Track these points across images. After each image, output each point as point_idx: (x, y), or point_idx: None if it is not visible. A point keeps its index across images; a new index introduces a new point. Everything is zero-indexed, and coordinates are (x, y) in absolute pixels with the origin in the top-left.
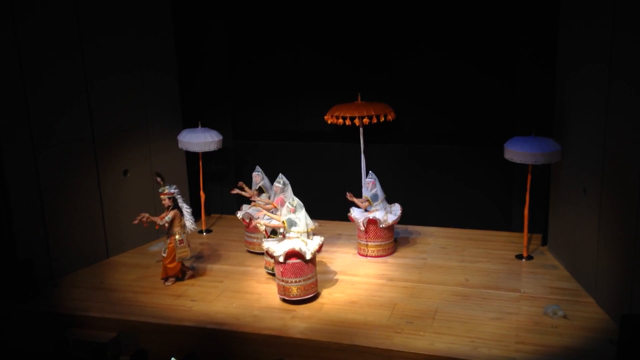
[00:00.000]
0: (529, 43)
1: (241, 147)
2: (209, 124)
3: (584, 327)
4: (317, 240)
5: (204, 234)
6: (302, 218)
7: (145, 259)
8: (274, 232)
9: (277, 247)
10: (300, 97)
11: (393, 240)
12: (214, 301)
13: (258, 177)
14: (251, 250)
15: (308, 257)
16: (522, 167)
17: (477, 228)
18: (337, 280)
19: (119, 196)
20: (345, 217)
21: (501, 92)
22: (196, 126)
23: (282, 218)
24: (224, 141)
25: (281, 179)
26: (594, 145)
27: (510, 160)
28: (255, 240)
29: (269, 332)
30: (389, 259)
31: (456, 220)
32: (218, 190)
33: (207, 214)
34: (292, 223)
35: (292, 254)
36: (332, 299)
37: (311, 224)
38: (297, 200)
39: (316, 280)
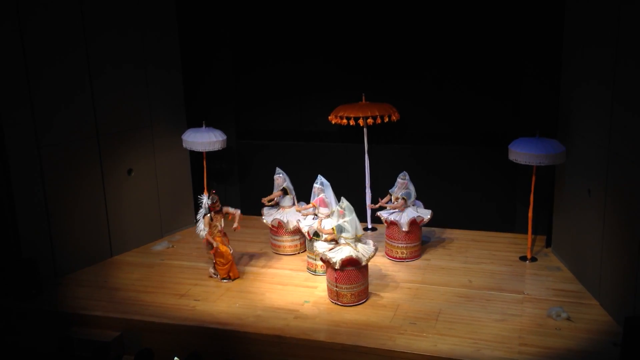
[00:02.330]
0: (534, 43)
1: (245, 147)
2: (213, 124)
3: (588, 329)
4: (372, 246)
5: None
6: (351, 223)
7: (149, 258)
8: (316, 234)
9: (333, 254)
10: (305, 98)
11: None
12: (217, 301)
13: (280, 178)
14: (279, 252)
15: (363, 263)
16: (527, 168)
17: (481, 229)
18: None
19: (123, 195)
20: None
21: (506, 93)
22: (200, 126)
23: (332, 222)
24: (227, 141)
25: (319, 179)
26: (599, 146)
27: (514, 161)
28: (283, 242)
29: (271, 332)
30: (390, 260)
31: (460, 221)
32: (222, 190)
33: None
34: (341, 229)
35: (348, 262)
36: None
37: (360, 229)
38: (346, 203)
39: (367, 285)
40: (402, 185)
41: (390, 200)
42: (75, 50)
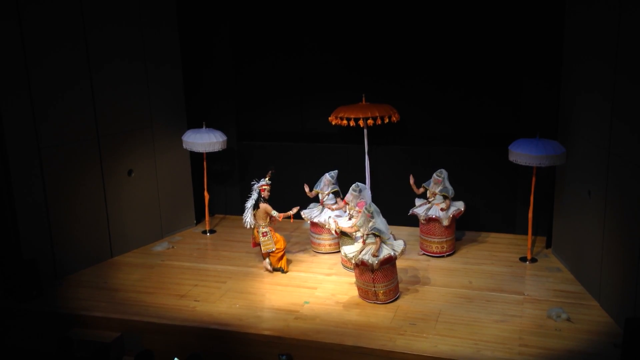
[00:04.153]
0: (535, 45)
1: (245, 148)
2: (213, 125)
3: (588, 330)
4: (401, 243)
5: (208, 234)
6: (382, 224)
7: (149, 259)
8: (343, 232)
9: (368, 256)
10: (305, 98)
11: None
12: (218, 302)
13: (328, 180)
14: (318, 250)
15: (397, 259)
16: (527, 169)
17: (481, 230)
18: (340, 282)
19: (123, 196)
20: None
21: (506, 94)
22: (200, 126)
23: (358, 223)
24: (228, 142)
25: (357, 187)
26: (599, 147)
27: (514, 162)
28: (322, 241)
29: (272, 332)
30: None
31: (460, 222)
32: (222, 191)
33: (211, 214)
34: (382, 233)
35: (385, 261)
36: (335, 300)
37: (388, 228)
38: (374, 206)
39: (398, 282)
40: (437, 181)
41: (426, 191)
42: (76, 52)
